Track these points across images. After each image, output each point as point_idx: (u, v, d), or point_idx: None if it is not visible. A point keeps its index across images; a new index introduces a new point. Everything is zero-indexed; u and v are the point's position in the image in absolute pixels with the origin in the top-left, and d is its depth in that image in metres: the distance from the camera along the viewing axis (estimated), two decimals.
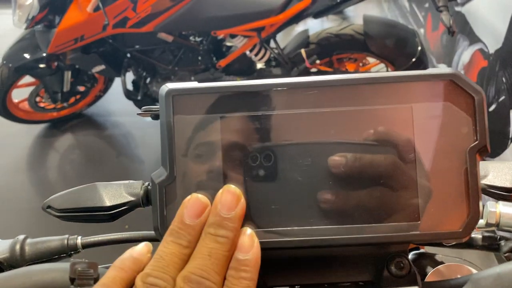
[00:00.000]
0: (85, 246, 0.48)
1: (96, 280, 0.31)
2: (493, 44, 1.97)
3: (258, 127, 0.35)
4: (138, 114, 0.44)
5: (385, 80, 0.35)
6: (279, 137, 0.35)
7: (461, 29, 2.32)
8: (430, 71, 0.36)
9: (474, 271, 0.46)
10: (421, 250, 0.51)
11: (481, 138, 0.35)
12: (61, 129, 2.86)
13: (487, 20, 2.07)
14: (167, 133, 0.35)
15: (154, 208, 0.35)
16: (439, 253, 0.49)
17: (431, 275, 0.46)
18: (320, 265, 0.38)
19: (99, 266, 0.32)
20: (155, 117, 0.40)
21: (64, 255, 0.47)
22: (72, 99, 2.74)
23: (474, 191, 0.34)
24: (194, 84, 0.36)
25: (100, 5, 2.03)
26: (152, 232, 0.50)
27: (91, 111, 2.95)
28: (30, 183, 2.52)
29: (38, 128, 2.86)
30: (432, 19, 2.94)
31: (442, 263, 0.47)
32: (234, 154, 0.35)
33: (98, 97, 2.88)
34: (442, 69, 0.36)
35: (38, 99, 2.68)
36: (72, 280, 0.30)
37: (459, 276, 0.38)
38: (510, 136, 1.80)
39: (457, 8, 2.39)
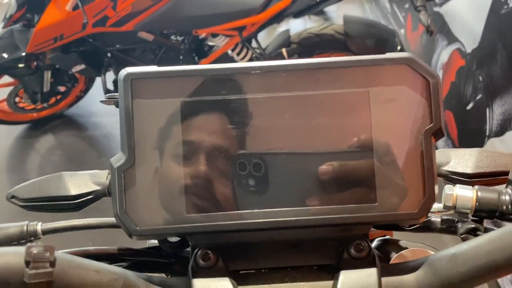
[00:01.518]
0: (46, 232, 0.48)
1: (52, 263, 0.30)
2: (470, 43, 2.01)
3: (218, 111, 0.36)
4: (101, 101, 0.44)
5: (342, 65, 0.36)
6: (238, 120, 0.36)
7: (440, 29, 2.35)
8: (386, 55, 0.36)
9: None
10: (386, 237, 0.52)
11: (436, 121, 0.36)
12: (42, 130, 2.82)
13: (464, 20, 2.11)
14: (125, 117, 0.35)
15: (114, 193, 0.35)
16: (404, 239, 0.50)
17: (395, 259, 0.47)
18: (283, 249, 0.39)
19: (58, 251, 0.32)
20: (118, 104, 0.40)
21: (23, 241, 0.47)
22: (53, 100, 2.71)
23: (429, 173, 0.35)
24: (153, 68, 0.36)
25: (79, 3, 2.01)
26: (113, 219, 0.50)
27: (72, 112, 2.91)
28: (10, 185, 2.47)
29: (18, 129, 2.82)
30: (412, 20, 2.98)
31: (406, 248, 0.48)
32: (194, 139, 0.36)
33: (79, 98, 2.85)
34: (398, 53, 0.36)
35: (17, 99, 2.64)
36: (27, 263, 0.30)
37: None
38: (487, 134, 1.83)
39: (436, 9, 2.43)
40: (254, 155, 0.36)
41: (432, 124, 0.36)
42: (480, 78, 1.91)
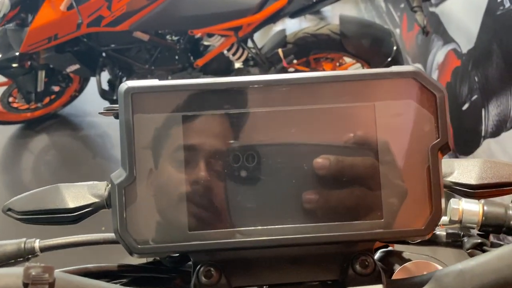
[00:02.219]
0: (44, 249, 0.47)
1: (51, 285, 0.30)
2: (466, 44, 2.01)
3: (220, 126, 0.35)
4: (100, 113, 0.43)
5: (348, 78, 0.35)
6: (240, 136, 0.35)
7: (435, 29, 2.36)
8: (392, 69, 0.36)
9: (440, 268, 0.46)
10: (389, 248, 0.51)
11: (442, 136, 0.35)
12: (36, 129, 2.80)
13: (460, 20, 2.11)
14: (126, 133, 0.34)
15: (114, 210, 0.34)
16: (407, 250, 0.50)
17: (398, 272, 0.46)
18: (286, 265, 0.38)
19: (56, 270, 0.31)
20: (118, 116, 0.39)
21: (21, 259, 0.46)
22: (47, 99, 2.68)
23: (436, 189, 0.35)
24: (154, 82, 0.35)
25: (74, 3, 1.99)
26: (113, 234, 0.49)
27: (66, 112, 2.89)
28: (3, 185, 2.45)
29: (12, 129, 2.79)
30: (408, 20, 2.98)
31: (409, 260, 0.48)
32: (197, 154, 0.35)
33: (73, 97, 2.83)
34: (404, 66, 0.36)
35: (11, 99, 2.62)
36: (25, 286, 0.29)
37: (425, 273, 0.38)
38: (483, 134, 1.83)
39: (431, 9, 2.43)
40: (258, 172, 0.35)
41: (439, 139, 0.35)
42: (476, 79, 1.91)
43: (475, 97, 1.92)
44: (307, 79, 0.35)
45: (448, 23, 2.25)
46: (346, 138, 0.35)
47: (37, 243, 0.47)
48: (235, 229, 0.35)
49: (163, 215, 0.34)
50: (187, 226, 0.34)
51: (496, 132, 1.76)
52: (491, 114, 1.79)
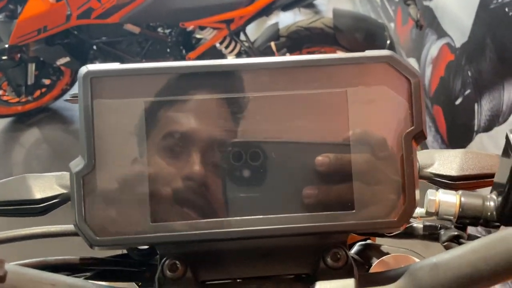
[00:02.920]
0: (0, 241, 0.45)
1: (2, 278, 0.28)
2: (459, 38, 1.99)
3: (185, 112, 0.33)
4: (65, 100, 0.41)
5: (319, 63, 0.34)
6: (203, 122, 0.33)
7: (429, 23, 2.34)
8: (366, 53, 0.34)
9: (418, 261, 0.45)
10: (368, 241, 0.50)
11: (417, 124, 0.33)
12: (26, 123, 2.77)
13: (454, 14, 2.09)
14: (84, 119, 0.33)
15: (73, 200, 0.33)
16: (387, 244, 0.48)
17: (376, 266, 0.45)
18: (256, 258, 0.36)
19: (8, 263, 0.29)
20: None
21: None
22: (37, 93, 2.66)
23: (410, 179, 0.33)
24: (115, 66, 0.33)
25: None
26: (72, 226, 0.47)
27: (57, 105, 2.86)
28: None
29: (2, 122, 2.77)
30: (402, 14, 2.96)
31: (387, 253, 0.46)
32: (159, 142, 0.33)
33: (64, 91, 2.80)
34: (378, 51, 0.34)
35: (1, 92, 2.59)
36: None
37: (402, 266, 0.37)
38: (475, 129, 1.83)
39: (425, 3, 2.41)
40: (220, 161, 0.33)
41: (413, 127, 0.33)
42: (469, 73, 1.90)
43: (468, 91, 1.91)
44: (277, 63, 0.34)
45: (442, 17, 2.23)
46: (316, 126, 0.33)
47: None
48: (200, 220, 0.33)
49: (124, 205, 0.33)
50: (149, 217, 0.33)
51: (488, 126, 1.75)
52: (483, 108, 1.78)
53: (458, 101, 2.00)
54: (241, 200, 0.33)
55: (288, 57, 0.34)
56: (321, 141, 0.33)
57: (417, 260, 0.45)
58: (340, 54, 0.34)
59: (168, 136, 0.33)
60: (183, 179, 0.33)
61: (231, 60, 0.34)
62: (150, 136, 0.33)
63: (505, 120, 1.63)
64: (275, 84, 0.33)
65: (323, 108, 0.33)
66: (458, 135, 2.01)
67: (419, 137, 0.34)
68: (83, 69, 0.33)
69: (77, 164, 0.33)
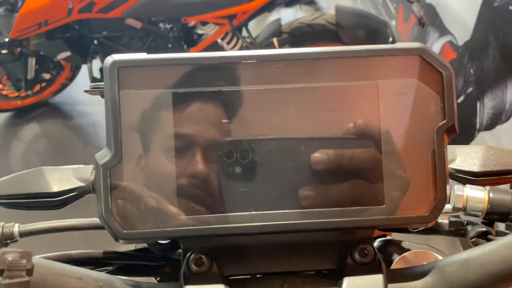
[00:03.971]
0: (23, 234, 0.45)
1: (29, 271, 0.27)
2: (462, 36, 1.99)
3: (213, 104, 0.33)
4: (85, 91, 0.40)
5: (350, 55, 0.33)
6: (234, 116, 0.33)
7: (431, 21, 2.34)
8: (396, 45, 0.34)
9: (440, 257, 0.44)
10: (388, 237, 0.50)
11: (449, 117, 0.33)
12: (26, 118, 2.76)
13: (456, 12, 2.09)
14: (111, 110, 0.32)
15: (98, 193, 0.32)
16: (406, 240, 0.48)
17: (397, 262, 0.45)
18: (281, 253, 0.36)
19: (35, 256, 0.29)
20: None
21: None
22: (37, 87, 2.64)
23: (441, 173, 0.33)
24: (142, 56, 0.33)
25: None
26: (98, 219, 0.47)
27: (57, 100, 2.85)
28: None
29: (1, 117, 2.75)
30: (404, 11, 2.96)
31: (408, 250, 0.46)
32: (187, 133, 0.33)
33: (64, 85, 2.79)
34: (409, 43, 0.34)
35: (0, 86, 2.57)
36: (1, 272, 0.27)
37: (425, 263, 0.37)
38: (477, 127, 1.83)
39: (428, 0, 2.41)
40: (252, 156, 0.33)
41: (445, 121, 0.33)
42: (472, 71, 1.90)
43: (470, 89, 1.91)
44: (305, 54, 0.33)
45: (444, 15, 2.23)
46: (347, 119, 0.33)
47: (16, 228, 0.44)
48: (227, 214, 0.33)
49: (152, 198, 0.32)
50: (177, 211, 0.32)
51: (491, 125, 1.75)
52: (486, 107, 1.78)
53: (460, 99, 2.00)
54: (269, 194, 0.33)
55: (320, 48, 0.33)
56: (351, 135, 0.33)
57: (438, 256, 0.44)
58: (370, 46, 0.34)
59: (196, 126, 0.33)
60: (211, 171, 0.33)
61: (264, 51, 0.33)
62: (178, 127, 0.33)
63: (507, 119, 1.63)
64: (307, 75, 0.33)
65: (354, 100, 0.33)
66: (460, 133, 2.00)
67: (451, 131, 0.33)
68: (109, 59, 0.33)
69: (104, 155, 0.32)
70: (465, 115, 1.93)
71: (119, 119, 0.32)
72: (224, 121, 0.33)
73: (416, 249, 0.45)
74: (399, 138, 0.33)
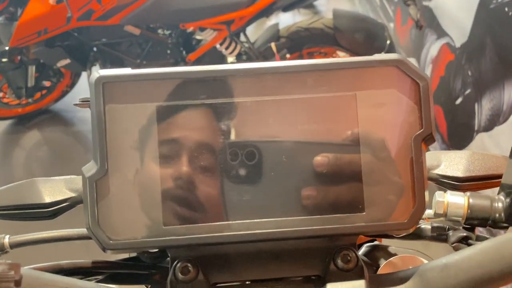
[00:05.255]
0: (14, 245, 0.46)
1: (17, 282, 0.28)
2: (459, 38, 2.00)
3: (196, 117, 0.34)
4: (75, 104, 0.41)
5: (328, 67, 0.34)
6: (216, 127, 0.34)
7: (429, 23, 2.35)
8: (374, 57, 0.34)
9: (426, 262, 0.45)
10: (375, 242, 0.50)
11: (426, 126, 0.34)
12: (27, 125, 2.77)
13: (453, 14, 2.10)
14: (97, 124, 0.33)
15: (85, 205, 0.33)
16: (394, 244, 0.49)
17: (384, 267, 0.45)
18: (267, 260, 0.37)
19: (24, 267, 0.30)
20: None
21: None
22: (38, 95, 2.66)
23: (419, 181, 0.34)
24: (127, 71, 0.34)
25: None
26: (84, 229, 0.47)
27: (57, 107, 2.87)
28: None
29: (2, 124, 2.77)
30: (402, 14, 2.97)
31: (395, 254, 0.47)
32: (171, 146, 0.34)
33: (65, 93, 2.80)
34: (387, 55, 0.34)
35: (1, 94, 2.59)
36: None
37: (410, 267, 0.37)
38: (476, 129, 1.83)
39: (425, 3, 2.42)
40: (234, 163, 0.34)
41: (422, 130, 0.34)
42: (469, 73, 1.90)
43: (468, 91, 1.92)
44: (287, 67, 0.34)
45: (441, 17, 2.24)
46: (326, 129, 0.34)
47: (6, 239, 0.45)
48: (211, 223, 0.34)
49: (137, 209, 0.33)
50: (162, 221, 0.33)
51: (489, 126, 1.75)
52: (484, 108, 1.79)
53: (458, 101, 2.00)
54: (252, 203, 0.34)
55: (298, 61, 0.34)
56: (331, 144, 0.34)
57: (424, 260, 0.45)
58: (349, 58, 0.34)
59: (180, 140, 0.34)
60: (195, 183, 0.33)
61: (242, 64, 0.34)
62: (162, 140, 0.33)
63: (505, 120, 1.63)
64: (286, 88, 0.34)
65: (333, 111, 0.34)
66: (458, 135, 2.01)
67: (428, 140, 0.34)
68: (95, 75, 0.34)
69: (90, 168, 0.33)
70: (463, 117, 1.94)
71: (104, 133, 0.33)
72: (207, 133, 0.34)
73: (403, 253, 0.46)
74: (378, 147, 0.34)
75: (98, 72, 0.34)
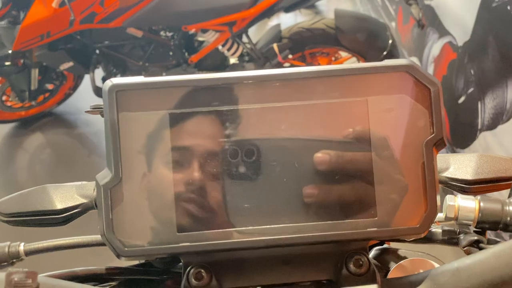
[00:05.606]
0: (29, 253, 0.46)
1: None
2: (461, 36, 2.00)
3: (209, 125, 0.34)
4: (86, 111, 0.41)
5: (340, 73, 0.34)
6: (229, 135, 0.34)
7: (431, 22, 2.35)
8: (385, 62, 0.35)
9: (436, 265, 0.45)
10: (385, 246, 0.50)
11: (437, 131, 0.34)
12: (30, 128, 2.78)
13: (455, 13, 2.10)
14: (111, 132, 0.33)
15: (100, 212, 0.33)
16: (403, 247, 0.49)
17: (394, 270, 0.45)
18: (279, 265, 0.37)
19: (40, 275, 0.30)
20: None
21: (5, 263, 0.45)
22: (41, 98, 2.67)
23: (431, 186, 0.34)
24: (139, 79, 0.34)
25: (66, 0, 1.97)
26: (98, 236, 0.48)
27: (60, 110, 2.87)
28: None
29: (6, 127, 2.77)
30: (403, 13, 2.97)
31: (405, 258, 0.47)
32: (184, 153, 0.34)
33: (67, 95, 2.81)
34: (398, 60, 0.35)
35: (4, 97, 2.60)
36: None
37: (421, 271, 0.38)
38: (479, 127, 1.83)
39: (427, 2, 2.41)
40: (247, 172, 0.34)
41: (433, 134, 0.34)
42: (472, 72, 1.90)
43: (471, 90, 1.91)
44: (298, 74, 0.34)
45: (443, 16, 2.24)
46: (338, 135, 0.34)
47: (21, 247, 0.46)
48: (225, 230, 0.34)
49: (151, 216, 0.33)
50: (176, 228, 0.33)
51: (492, 125, 1.75)
52: (487, 107, 1.78)
53: (461, 100, 2.00)
54: (266, 209, 0.34)
55: (310, 68, 0.34)
56: (343, 150, 0.34)
57: (434, 263, 0.45)
58: (359, 64, 0.35)
59: (193, 146, 0.34)
60: (208, 189, 0.34)
61: (255, 71, 0.34)
62: (175, 147, 0.34)
63: (509, 118, 1.63)
64: (299, 94, 0.34)
65: (344, 117, 0.34)
66: (461, 134, 2.01)
67: (439, 144, 0.34)
68: (108, 83, 0.34)
69: (104, 176, 0.34)
70: (466, 116, 1.94)
71: (118, 141, 0.33)
72: (220, 139, 0.34)
73: (412, 257, 0.46)
74: (389, 152, 0.34)
75: (111, 80, 0.34)
